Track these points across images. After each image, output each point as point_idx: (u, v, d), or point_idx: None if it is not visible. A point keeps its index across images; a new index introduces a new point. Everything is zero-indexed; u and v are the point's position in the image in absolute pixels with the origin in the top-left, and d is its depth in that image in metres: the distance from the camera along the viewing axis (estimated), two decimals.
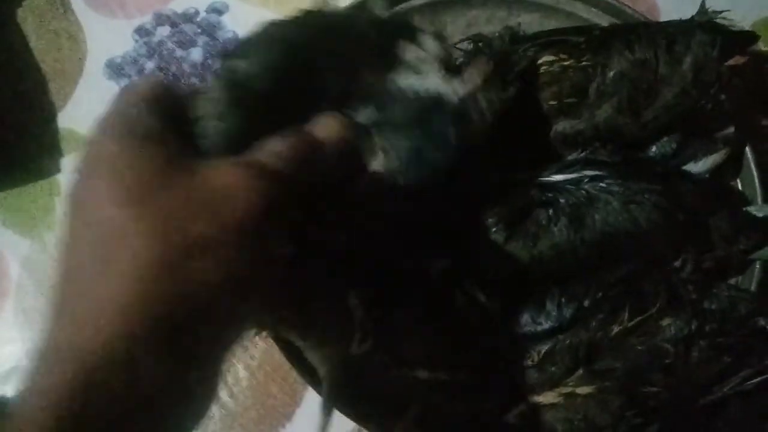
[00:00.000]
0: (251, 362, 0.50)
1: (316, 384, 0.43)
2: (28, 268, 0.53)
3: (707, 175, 0.48)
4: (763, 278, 0.45)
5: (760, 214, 0.46)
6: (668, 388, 0.39)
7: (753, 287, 0.45)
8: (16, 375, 0.51)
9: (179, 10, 0.59)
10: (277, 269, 0.29)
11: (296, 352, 0.42)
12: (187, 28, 0.59)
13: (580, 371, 0.40)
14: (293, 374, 0.46)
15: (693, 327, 0.40)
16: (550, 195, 0.43)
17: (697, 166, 0.48)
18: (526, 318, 0.41)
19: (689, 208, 0.45)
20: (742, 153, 0.49)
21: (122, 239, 0.26)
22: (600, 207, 0.43)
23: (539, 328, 0.41)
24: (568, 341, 0.40)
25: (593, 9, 0.54)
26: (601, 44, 0.47)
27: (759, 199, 0.48)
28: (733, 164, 0.50)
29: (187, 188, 0.27)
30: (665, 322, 0.41)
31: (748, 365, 0.40)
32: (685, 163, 0.48)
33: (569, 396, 0.39)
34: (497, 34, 0.51)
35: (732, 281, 0.47)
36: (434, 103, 0.40)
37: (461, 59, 0.49)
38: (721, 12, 0.47)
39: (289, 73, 0.33)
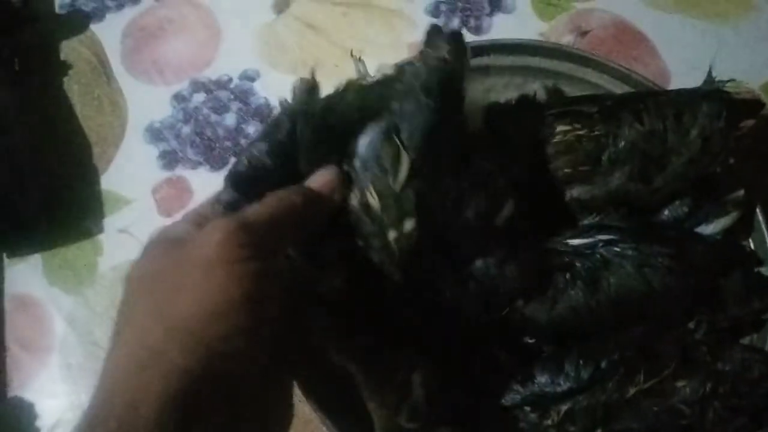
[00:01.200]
0: None
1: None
2: (72, 324, 0.56)
3: (719, 237, 0.49)
4: None
5: None
6: None
7: (767, 347, 0.46)
8: (60, 428, 0.54)
9: (214, 77, 0.64)
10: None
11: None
12: (222, 94, 0.64)
13: (599, 431, 0.40)
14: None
15: (707, 388, 0.43)
16: (566, 260, 0.45)
17: (708, 228, 0.51)
18: (545, 379, 0.44)
19: (702, 270, 0.48)
20: (753, 214, 0.52)
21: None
22: (614, 271, 0.46)
23: (558, 389, 0.43)
24: (586, 402, 0.43)
25: (604, 75, 0.57)
26: (612, 114, 0.51)
27: None
28: (744, 225, 0.52)
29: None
30: (680, 383, 0.43)
31: (764, 425, 0.41)
32: (697, 226, 0.51)
33: None
34: (539, 100, 0.55)
35: (747, 340, 0.48)
36: None
37: None
38: (727, 81, 0.50)
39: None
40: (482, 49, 0.58)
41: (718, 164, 0.51)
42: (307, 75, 0.50)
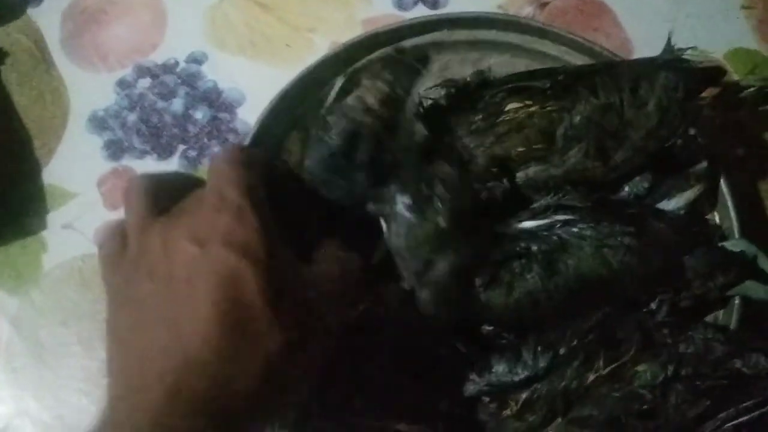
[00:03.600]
0: None
1: None
2: (17, 326, 0.55)
3: (682, 212, 0.48)
4: (743, 314, 0.49)
5: (736, 249, 0.50)
6: None
7: (733, 324, 0.49)
8: None
9: (159, 62, 0.62)
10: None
11: None
12: (168, 79, 0.62)
13: (559, 420, 0.44)
14: None
15: (669, 372, 0.44)
16: (522, 244, 0.44)
17: (671, 204, 0.52)
18: (503, 368, 0.45)
19: (664, 247, 0.49)
20: (717, 186, 0.53)
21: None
22: (573, 252, 0.47)
23: (516, 378, 0.45)
24: (545, 390, 0.44)
25: (563, 47, 0.58)
26: (566, 89, 0.51)
27: (736, 233, 0.51)
28: (709, 197, 0.53)
29: None
30: (641, 367, 0.44)
31: (726, 408, 0.40)
32: (658, 202, 0.52)
33: None
34: (467, 79, 0.54)
35: (712, 317, 0.47)
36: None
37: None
38: (686, 49, 0.48)
39: None
40: (436, 24, 0.56)
41: (678, 136, 0.51)
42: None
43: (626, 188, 0.52)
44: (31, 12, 0.68)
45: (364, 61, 0.57)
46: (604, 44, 0.57)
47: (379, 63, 0.51)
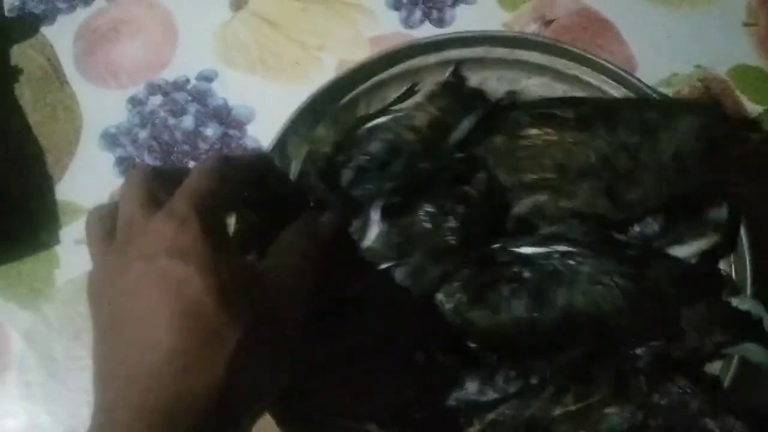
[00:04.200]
0: None
1: None
2: (30, 341, 0.57)
3: (693, 260, 0.50)
4: (738, 375, 0.47)
5: (742, 307, 0.48)
6: None
7: (727, 382, 0.48)
8: None
9: (170, 79, 0.64)
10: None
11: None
12: (179, 96, 0.63)
13: None
14: None
15: (637, 419, 0.44)
16: (515, 269, 0.48)
17: (681, 250, 0.50)
18: (474, 386, 0.46)
19: (661, 295, 0.47)
20: (737, 235, 0.51)
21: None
22: (565, 285, 0.47)
23: (483, 399, 0.45)
24: (510, 415, 0.44)
25: (602, 76, 0.57)
26: (588, 122, 0.51)
27: (748, 288, 0.49)
28: (726, 247, 0.51)
29: None
30: (609, 410, 0.44)
31: None
32: (669, 246, 0.50)
33: None
34: (497, 99, 0.56)
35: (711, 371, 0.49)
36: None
37: None
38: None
39: None
40: (478, 40, 0.59)
41: (694, 187, 0.50)
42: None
43: (637, 228, 0.50)
44: (45, 30, 0.70)
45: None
46: (604, 59, 0.57)
47: (439, 88, 0.54)
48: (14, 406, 0.57)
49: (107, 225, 0.41)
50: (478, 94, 0.54)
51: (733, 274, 0.52)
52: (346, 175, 0.50)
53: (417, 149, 0.50)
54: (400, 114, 0.54)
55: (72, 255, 0.62)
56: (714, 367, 0.50)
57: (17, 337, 0.60)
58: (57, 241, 0.63)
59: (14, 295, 0.61)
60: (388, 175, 0.49)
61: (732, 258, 0.52)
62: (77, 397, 0.57)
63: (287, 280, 0.41)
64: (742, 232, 0.50)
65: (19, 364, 0.59)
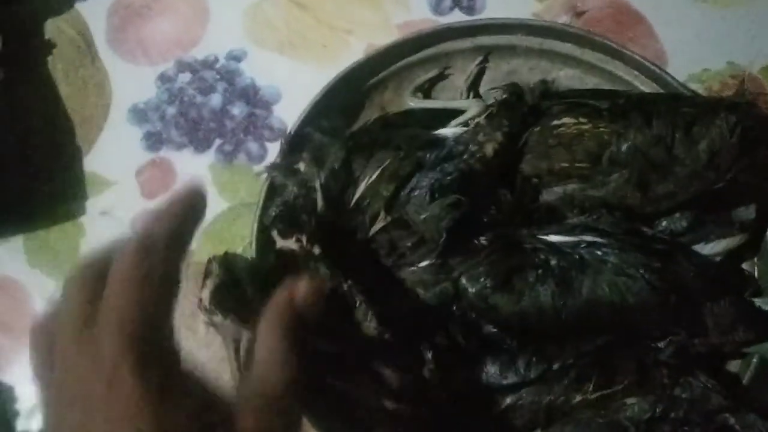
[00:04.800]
0: None
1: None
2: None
3: (719, 258, 0.50)
4: (758, 374, 0.48)
5: (765, 308, 0.49)
6: None
7: (746, 381, 0.48)
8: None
9: (200, 57, 0.65)
10: None
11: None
12: (207, 74, 0.64)
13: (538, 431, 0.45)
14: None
15: (657, 411, 0.44)
16: (542, 256, 0.48)
17: (707, 248, 0.51)
18: (495, 370, 0.46)
19: (686, 290, 0.48)
20: (763, 235, 0.51)
21: None
22: (590, 275, 0.48)
23: (504, 382, 0.46)
24: (530, 399, 0.45)
25: (634, 71, 0.58)
26: (622, 113, 0.52)
27: None
28: (752, 246, 0.52)
29: None
30: (630, 400, 0.45)
31: None
32: (695, 243, 0.51)
33: None
34: (530, 87, 0.57)
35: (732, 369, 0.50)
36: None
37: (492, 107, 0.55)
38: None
39: None
40: (511, 28, 0.60)
41: (725, 181, 0.50)
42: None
43: (664, 223, 0.51)
44: (79, 6, 0.72)
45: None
46: (638, 54, 0.57)
47: (498, 107, 0.54)
48: None
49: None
50: (537, 109, 0.54)
51: (756, 275, 0.52)
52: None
53: (483, 179, 0.51)
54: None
55: (97, 225, 0.63)
56: (733, 366, 0.51)
57: (42, 303, 0.61)
58: (83, 212, 0.64)
59: (40, 263, 0.63)
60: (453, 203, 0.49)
61: (755, 259, 0.52)
62: None
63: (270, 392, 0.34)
64: None
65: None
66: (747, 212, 0.50)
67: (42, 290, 0.62)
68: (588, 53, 0.58)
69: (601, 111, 0.51)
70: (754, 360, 0.48)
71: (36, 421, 0.57)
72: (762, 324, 0.48)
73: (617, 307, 0.46)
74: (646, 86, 0.58)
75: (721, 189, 0.50)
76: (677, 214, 0.50)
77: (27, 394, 0.58)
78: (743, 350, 0.48)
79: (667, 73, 0.56)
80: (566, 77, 0.60)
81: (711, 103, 0.52)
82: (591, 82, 0.59)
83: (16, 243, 0.63)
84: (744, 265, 0.52)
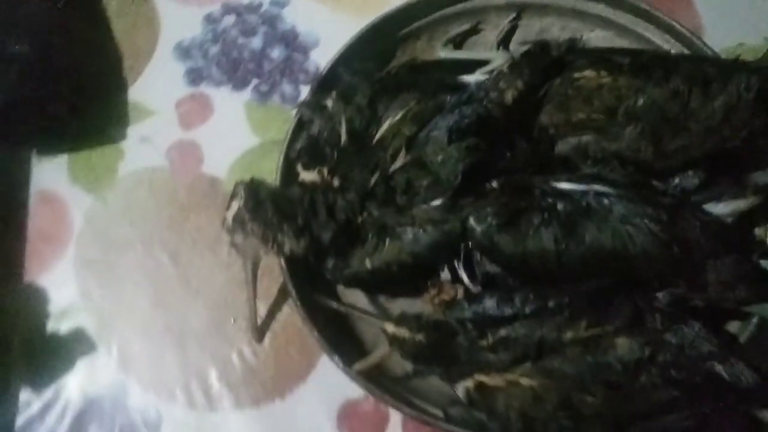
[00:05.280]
0: (275, 325, 0.54)
1: (330, 351, 0.53)
2: (90, 221, 0.63)
3: (730, 219, 0.50)
4: (756, 334, 0.49)
5: None
6: (607, 402, 0.45)
7: (743, 339, 0.49)
8: (69, 314, 0.56)
9: (245, 1, 0.67)
10: None
11: (318, 320, 0.54)
12: (251, 18, 0.67)
13: (528, 364, 0.46)
14: (311, 340, 0.55)
15: (646, 353, 0.45)
16: (550, 200, 0.50)
17: (718, 208, 0.51)
18: (492, 303, 0.48)
19: (690, 245, 0.48)
20: None
21: None
22: (596, 221, 0.49)
23: (499, 315, 0.48)
24: (522, 332, 0.47)
25: (666, 35, 0.59)
26: (642, 69, 0.53)
27: None
28: (764, 211, 0.52)
29: None
30: (620, 341, 0.46)
31: (692, 407, 0.44)
32: (706, 202, 0.51)
33: (513, 384, 0.46)
34: (556, 42, 0.58)
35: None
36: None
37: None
38: None
39: None
40: None
41: (739, 140, 0.50)
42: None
43: (677, 180, 0.51)
44: None
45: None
46: (671, 17, 0.58)
47: (521, 58, 0.55)
48: (68, 277, 0.63)
49: None
50: (560, 63, 0.55)
51: (767, 240, 0.52)
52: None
53: (500, 124, 0.52)
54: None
55: (135, 150, 0.67)
56: (732, 327, 0.51)
57: (79, 217, 0.65)
58: (124, 137, 0.68)
59: (81, 180, 0.67)
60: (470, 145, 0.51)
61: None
62: (125, 275, 0.62)
63: None
64: None
65: (77, 241, 0.64)
66: (763, 176, 0.51)
67: (80, 204, 0.65)
68: (620, 15, 0.59)
69: (622, 66, 0.52)
70: (754, 320, 0.49)
71: (65, 323, 0.61)
72: (765, 285, 0.48)
73: (619, 254, 0.47)
74: (676, 51, 0.58)
75: (738, 152, 0.50)
76: (690, 172, 0.51)
77: (58, 298, 0.62)
78: (743, 309, 0.49)
79: (698, 37, 0.57)
80: (597, 38, 0.61)
81: (732, 64, 0.52)
82: (621, 44, 0.60)
83: (62, 161, 0.67)
84: (757, 231, 0.52)
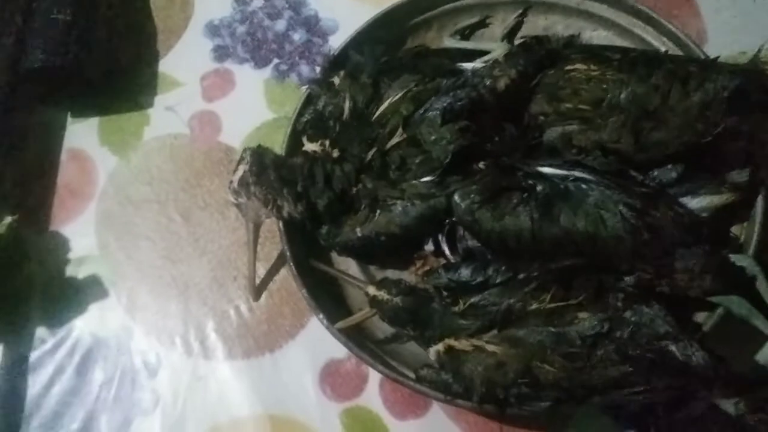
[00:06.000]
0: (272, 285, 0.58)
1: (317, 309, 0.57)
2: (113, 180, 0.68)
3: (705, 213, 0.52)
4: (719, 325, 0.50)
5: (738, 263, 0.51)
6: (564, 372, 0.47)
7: (707, 327, 0.51)
8: (87, 262, 0.65)
9: None
10: None
11: (309, 281, 0.58)
12: (278, 2, 0.71)
13: (494, 331, 0.49)
14: (304, 302, 0.59)
15: (605, 328, 0.47)
16: (531, 182, 0.52)
17: (694, 202, 0.53)
18: (467, 272, 0.51)
19: (661, 233, 0.50)
20: (753, 201, 0.53)
21: None
22: (572, 204, 0.51)
23: (471, 282, 0.51)
24: (491, 300, 0.50)
25: (663, 38, 0.62)
26: (630, 64, 0.55)
27: (750, 250, 0.52)
28: (739, 211, 0.54)
29: None
30: (582, 315, 0.48)
31: (644, 383, 0.46)
32: (682, 196, 0.53)
33: (479, 349, 0.49)
34: (555, 37, 0.61)
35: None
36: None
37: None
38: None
39: None
40: None
41: (712, 135, 0.52)
42: None
43: (656, 172, 0.53)
44: None
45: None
46: (670, 22, 0.60)
47: (518, 48, 0.59)
48: (89, 228, 0.68)
49: None
50: (554, 55, 0.58)
51: (741, 239, 0.54)
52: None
53: (492, 109, 0.55)
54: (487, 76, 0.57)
55: (160, 118, 0.72)
56: (699, 319, 0.53)
57: (104, 175, 0.70)
58: (151, 105, 0.73)
59: (108, 141, 0.72)
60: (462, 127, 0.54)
61: (743, 224, 0.54)
62: (141, 230, 0.67)
63: None
64: (760, 199, 0.53)
65: (100, 196, 0.69)
66: (740, 175, 0.52)
67: (106, 164, 0.71)
68: (622, 16, 0.62)
69: (612, 61, 0.55)
70: (719, 310, 0.50)
71: (82, 270, 0.66)
72: (731, 277, 0.50)
73: (591, 237, 0.50)
74: (672, 52, 0.60)
75: (716, 150, 0.52)
76: (669, 166, 0.53)
77: (78, 247, 0.67)
78: (709, 299, 0.50)
79: (694, 42, 0.59)
80: (598, 38, 0.63)
81: (713, 64, 0.54)
82: (621, 44, 0.62)
83: (93, 122, 0.73)
84: (734, 228, 0.54)
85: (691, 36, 0.61)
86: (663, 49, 0.61)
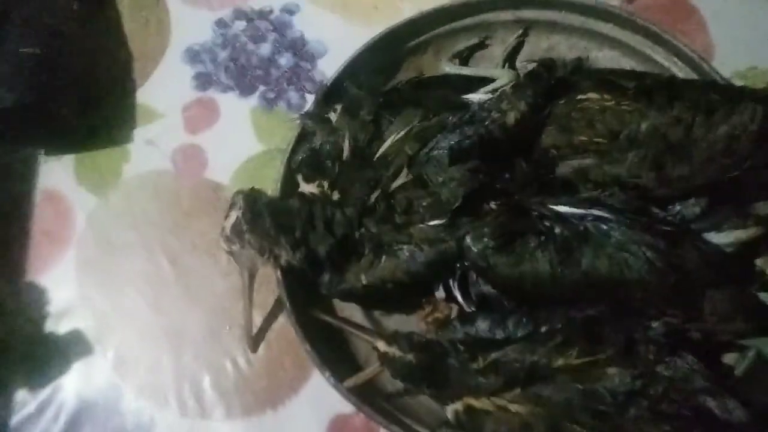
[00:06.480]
0: (270, 334, 0.55)
1: (322, 366, 0.54)
2: (92, 222, 0.63)
3: (731, 249, 0.49)
4: (752, 367, 0.48)
5: None
6: None
7: (739, 371, 0.49)
8: (68, 315, 0.57)
9: (256, 7, 0.69)
10: None
11: (312, 334, 0.55)
12: (261, 24, 0.67)
13: (518, 390, 0.46)
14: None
15: (637, 384, 0.44)
16: (548, 223, 0.49)
17: (719, 237, 0.50)
18: (485, 325, 0.48)
19: (688, 274, 0.48)
20: None
21: None
22: (593, 247, 0.48)
23: (491, 338, 0.48)
24: (513, 357, 0.46)
25: (673, 57, 0.59)
26: (646, 93, 0.52)
27: None
28: (765, 243, 0.51)
29: None
30: (611, 371, 0.45)
31: None
32: (707, 231, 0.51)
33: (501, 409, 0.46)
34: (565, 61, 0.57)
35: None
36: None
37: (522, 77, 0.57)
38: None
39: None
40: (555, 4, 0.61)
41: (742, 170, 0.50)
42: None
43: (677, 207, 0.51)
44: None
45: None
46: (679, 40, 0.57)
47: (528, 79, 0.55)
48: (69, 277, 0.63)
49: None
50: (564, 83, 0.55)
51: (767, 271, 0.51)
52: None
53: (503, 144, 0.52)
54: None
55: (141, 153, 0.67)
56: (729, 359, 0.50)
57: (82, 218, 0.65)
58: (130, 139, 0.68)
59: (85, 181, 0.67)
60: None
61: None
62: (126, 279, 0.63)
63: None
64: None
65: (79, 241, 0.65)
66: (765, 207, 0.50)
67: (84, 205, 0.66)
68: (629, 35, 0.59)
69: (626, 89, 0.52)
70: (751, 353, 0.48)
71: (64, 324, 0.61)
72: (763, 318, 0.48)
73: (615, 281, 0.47)
74: (683, 74, 0.57)
75: (742, 182, 0.50)
76: (691, 200, 0.50)
77: (58, 298, 0.62)
78: (741, 342, 0.48)
79: (706, 62, 0.56)
80: (604, 58, 0.60)
81: (738, 91, 0.52)
82: (628, 64, 0.60)
83: (68, 161, 0.68)
84: (759, 261, 0.51)
85: (698, 51, 0.58)
86: (672, 68, 0.58)
